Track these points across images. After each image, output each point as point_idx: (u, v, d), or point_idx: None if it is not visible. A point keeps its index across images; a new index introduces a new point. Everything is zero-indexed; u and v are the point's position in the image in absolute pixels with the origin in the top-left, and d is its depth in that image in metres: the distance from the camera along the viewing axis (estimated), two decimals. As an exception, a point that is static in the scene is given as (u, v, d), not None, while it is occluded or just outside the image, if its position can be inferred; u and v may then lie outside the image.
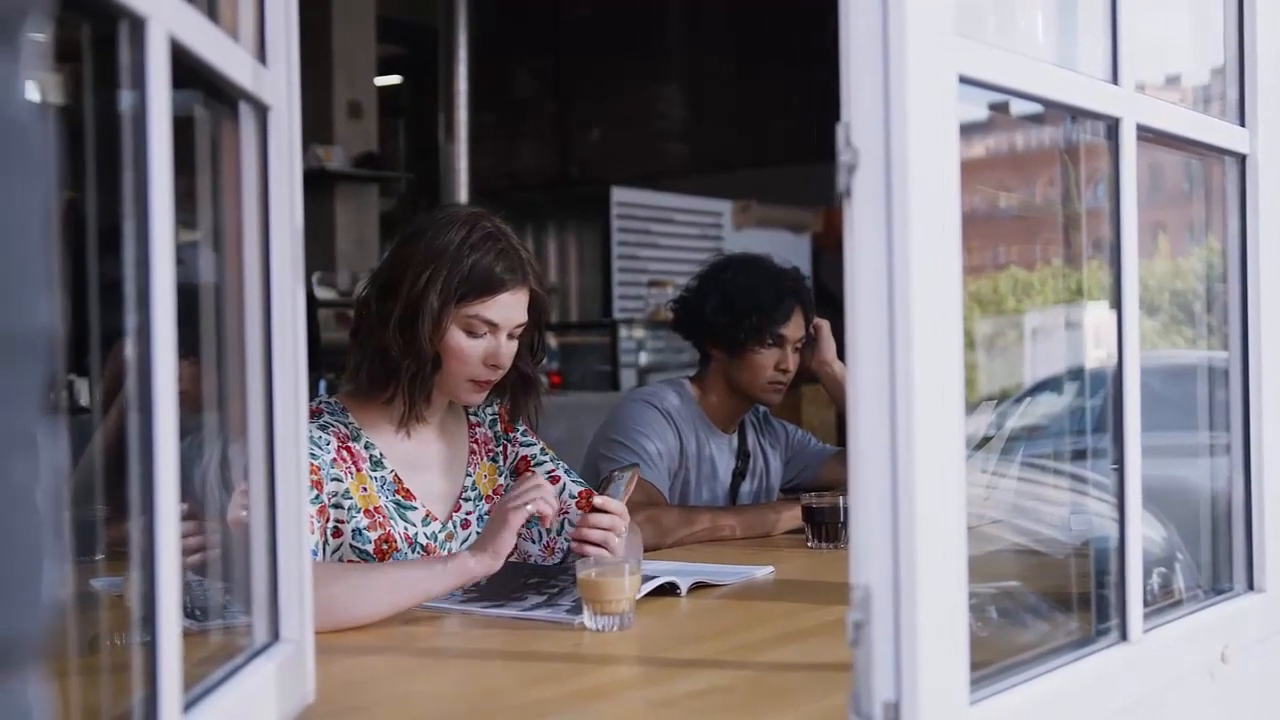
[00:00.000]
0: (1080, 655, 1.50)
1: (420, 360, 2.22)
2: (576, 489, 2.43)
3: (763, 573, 2.41)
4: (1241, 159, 1.86)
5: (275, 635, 1.39)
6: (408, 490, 2.29)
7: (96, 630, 1.33)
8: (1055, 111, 1.64)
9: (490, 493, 2.41)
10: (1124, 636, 1.55)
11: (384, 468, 2.27)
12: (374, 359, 2.25)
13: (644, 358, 7.78)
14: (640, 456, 2.94)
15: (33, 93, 0.63)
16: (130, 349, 1.01)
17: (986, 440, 2.30)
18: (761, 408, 3.26)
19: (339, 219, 7.89)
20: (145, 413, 1.02)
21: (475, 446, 2.43)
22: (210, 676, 1.22)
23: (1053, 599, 1.73)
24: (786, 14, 9.14)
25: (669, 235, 8.38)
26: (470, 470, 2.40)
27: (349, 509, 2.19)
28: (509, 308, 2.25)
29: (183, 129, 1.09)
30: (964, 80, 1.28)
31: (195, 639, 1.34)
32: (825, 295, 3.64)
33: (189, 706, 1.10)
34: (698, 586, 2.23)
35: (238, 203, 1.37)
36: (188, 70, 1.12)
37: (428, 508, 2.30)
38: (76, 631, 1.22)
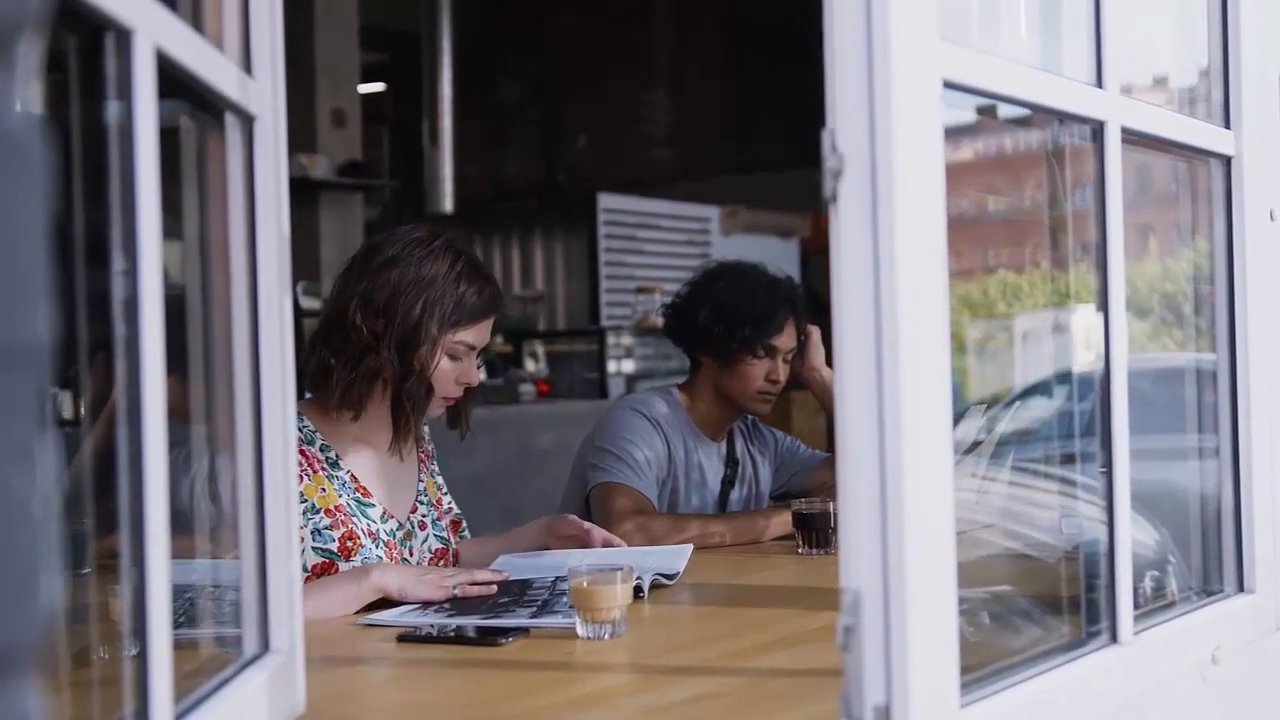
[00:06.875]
0: (1071, 657, 1.50)
1: (420, 383, 2.32)
2: (436, 545, 2.50)
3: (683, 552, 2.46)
4: (1227, 161, 1.86)
5: (265, 646, 1.39)
6: (365, 488, 2.37)
7: (85, 643, 1.32)
8: (1042, 115, 1.65)
9: (434, 501, 2.53)
10: (1114, 638, 1.55)
11: (341, 469, 2.35)
12: (365, 380, 2.32)
13: (632, 365, 7.76)
14: (629, 464, 2.94)
15: (29, 105, 0.63)
16: (119, 361, 1.01)
17: (977, 444, 2.30)
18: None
19: (323, 228, 7.86)
20: (134, 425, 1.01)
21: (423, 457, 2.55)
22: (201, 688, 1.22)
23: (1044, 602, 1.73)
24: (772, 18, 9.16)
25: (656, 241, 8.37)
26: (421, 477, 2.52)
27: (305, 511, 2.26)
28: (488, 332, 2.40)
29: (167, 139, 1.09)
30: (948, 85, 1.28)
31: (183, 650, 1.34)
32: (813, 300, 3.64)
33: (180, 718, 1.10)
34: (657, 586, 2.26)
35: (223, 213, 1.36)
36: (172, 80, 1.12)
37: (384, 505, 2.39)
38: (67, 645, 1.22)
